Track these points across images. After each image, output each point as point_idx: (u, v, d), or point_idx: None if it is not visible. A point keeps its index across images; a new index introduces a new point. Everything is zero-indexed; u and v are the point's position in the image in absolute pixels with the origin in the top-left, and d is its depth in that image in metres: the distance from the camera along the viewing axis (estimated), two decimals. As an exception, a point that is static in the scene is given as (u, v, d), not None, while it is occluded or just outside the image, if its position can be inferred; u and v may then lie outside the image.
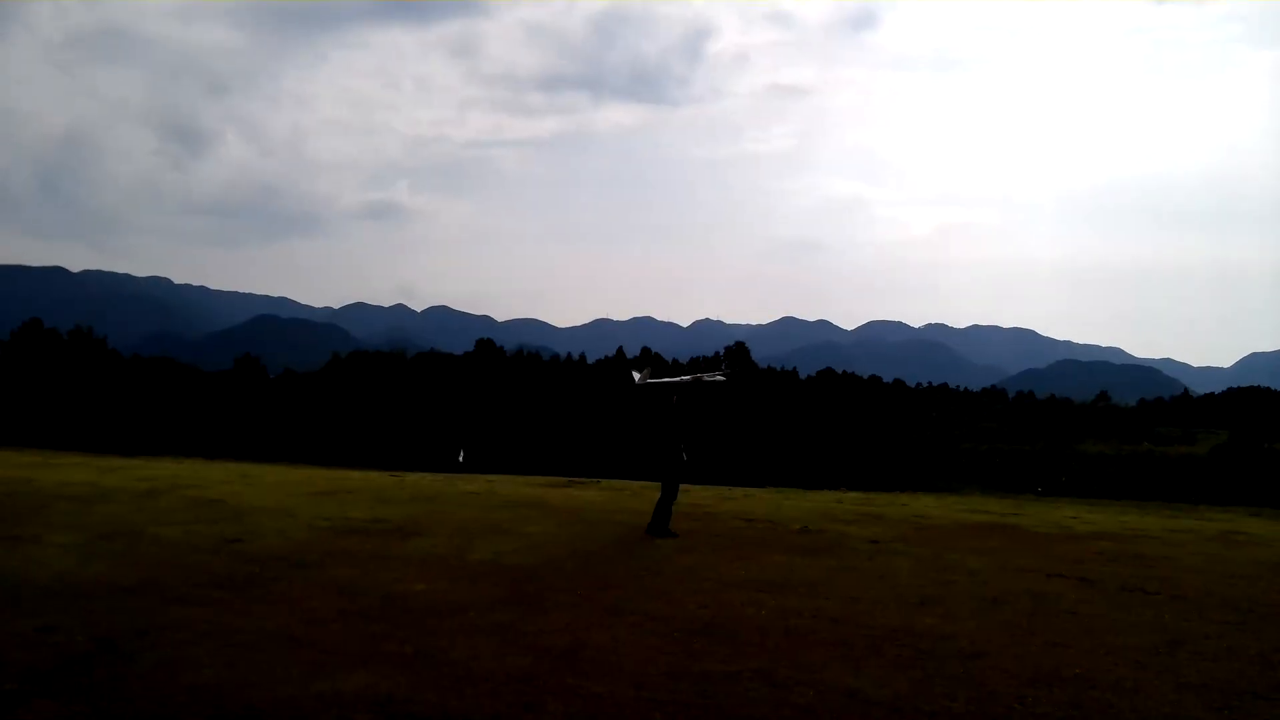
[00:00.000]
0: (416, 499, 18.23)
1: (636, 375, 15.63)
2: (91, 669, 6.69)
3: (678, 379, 15.08)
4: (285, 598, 9.03)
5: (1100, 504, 25.96)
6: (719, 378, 16.14)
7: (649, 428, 14.30)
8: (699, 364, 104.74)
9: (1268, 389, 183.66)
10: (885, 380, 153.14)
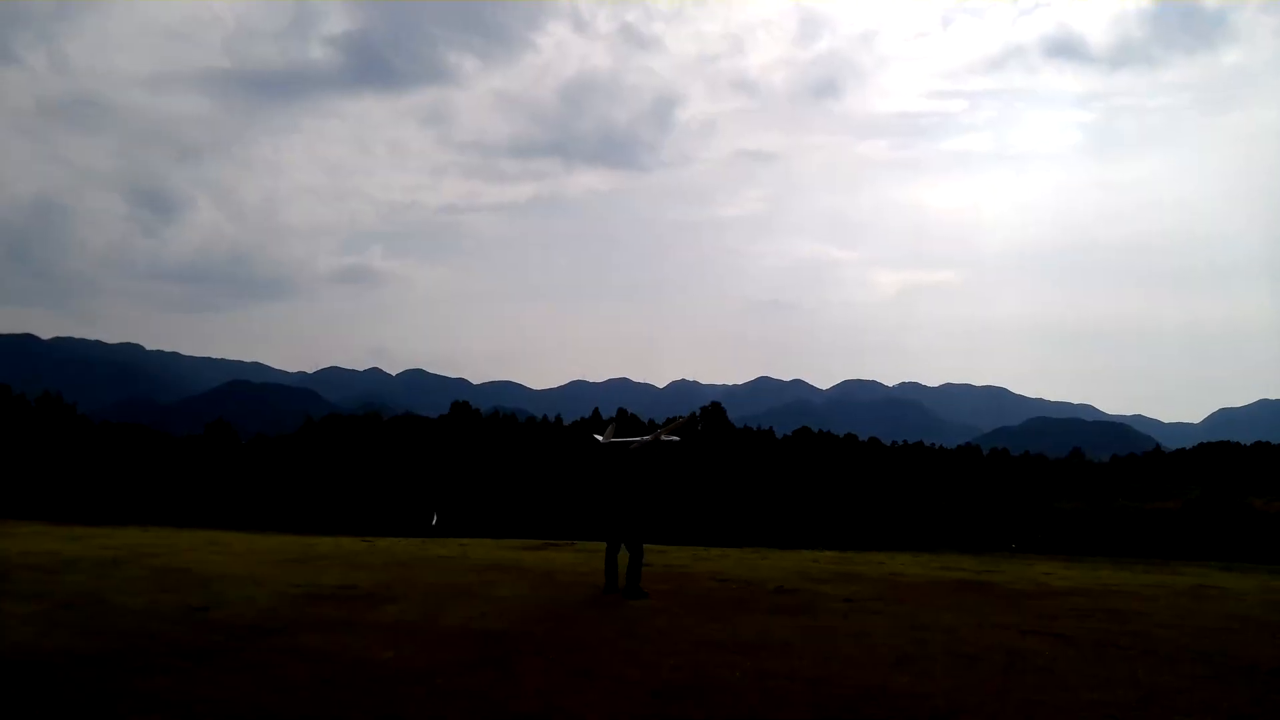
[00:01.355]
0: (388, 564, 18.00)
1: (599, 436, 15.68)
2: (48, 743, 6.51)
3: (636, 439, 15.13)
4: (252, 666, 8.85)
5: (1075, 560, 26.05)
6: (674, 438, 16.24)
7: (613, 487, 14.24)
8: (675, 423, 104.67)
9: (1238, 444, 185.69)
10: (860, 439, 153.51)
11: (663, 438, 15.45)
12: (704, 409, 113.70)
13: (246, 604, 12.46)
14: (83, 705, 7.37)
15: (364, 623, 11.23)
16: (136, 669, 8.62)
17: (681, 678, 8.70)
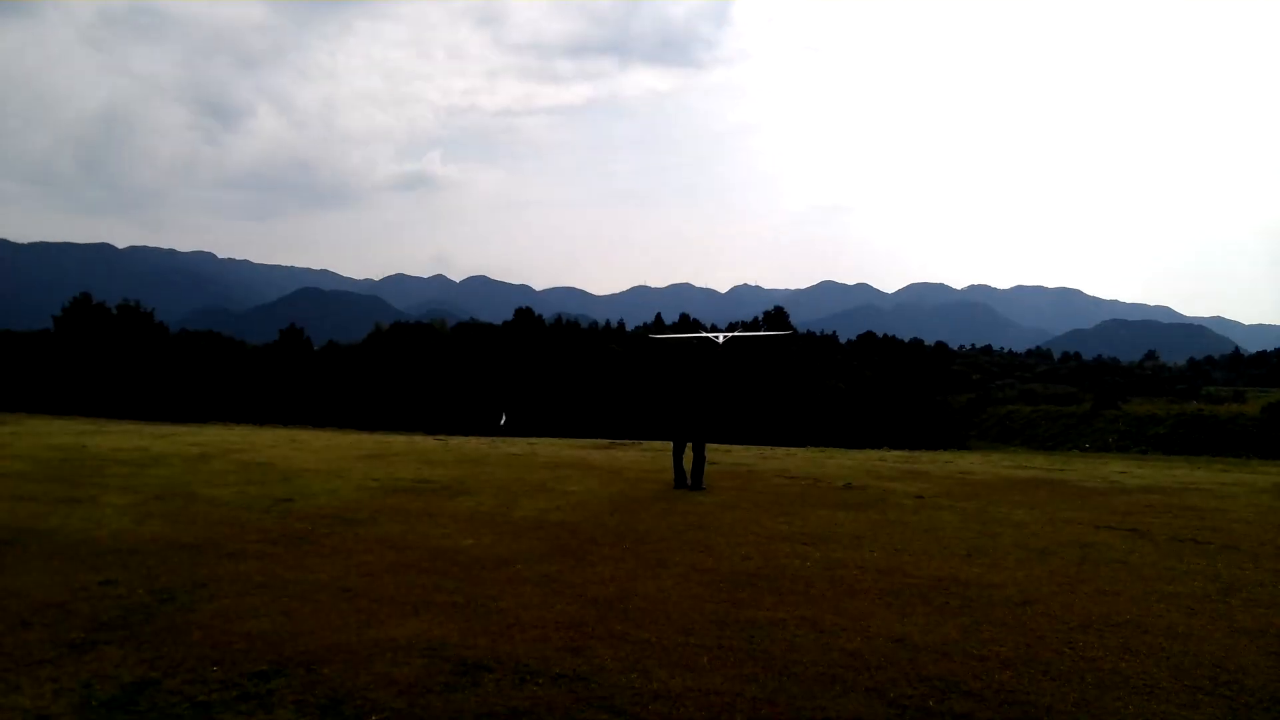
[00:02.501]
0: (461, 460, 18.43)
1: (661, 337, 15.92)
2: (152, 618, 6.87)
3: (682, 336, 15.32)
4: (337, 552, 9.19)
5: (1150, 459, 25.62)
6: (722, 337, 16.36)
7: (681, 385, 14.37)
8: (736, 327, 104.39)
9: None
10: (927, 343, 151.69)
11: (708, 338, 15.56)
12: (767, 314, 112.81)
13: (329, 495, 12.90)
14: (179, 586, 7.73)
15: (442, 513, 11.56)
16: (228, 554, 9.01)
17: (752, 566, 8.83)
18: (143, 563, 8.61)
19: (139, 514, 11.19)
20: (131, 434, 24.07)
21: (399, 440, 25.85)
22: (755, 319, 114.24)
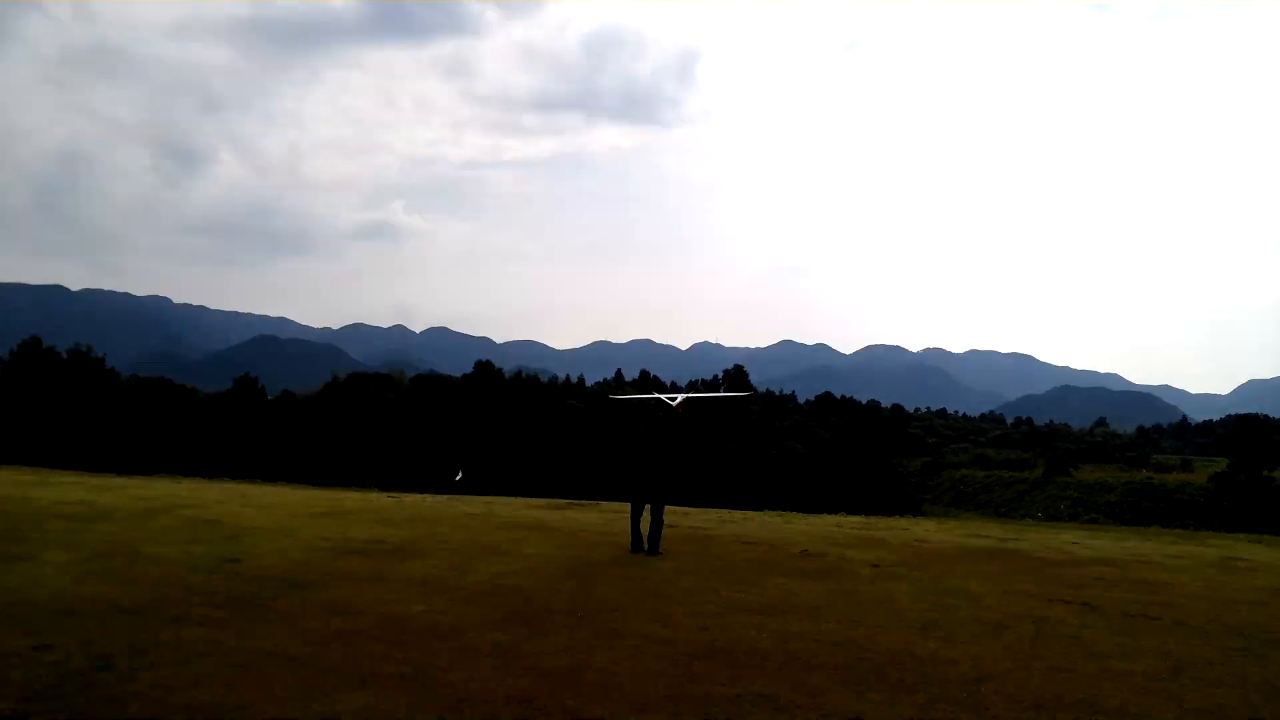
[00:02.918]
0: (415, 520, 18.16)
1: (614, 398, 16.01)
2: (88, 688, 6.63)
3: (639, 397, 15.41)
4: (284, 618, 8.97)
5: (1101, 529, 25.90)
6: (680, 398, 16.46)
7: (642, 448, 14.34)
8: (697, 386, 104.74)
9: (1266, 417, 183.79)
10: (884, 404, 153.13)
11: (664, 400, 15.62)
12: (727, 372, 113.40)
13: (278, 556, 12.62)
14: (118, 653, 7.49)
15: (394, 577, 11.35)
16: (171, 619, 8.76)
17: (708, 638, 8.74)
18: (81, 626, 8.34)
19: (80, 573, 10.87)
20: (76, 486, 23.46)
21: (352, 497, 25.45)
22: (715, 377, 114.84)
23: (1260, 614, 11.00)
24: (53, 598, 9.47)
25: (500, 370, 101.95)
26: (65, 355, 73.28)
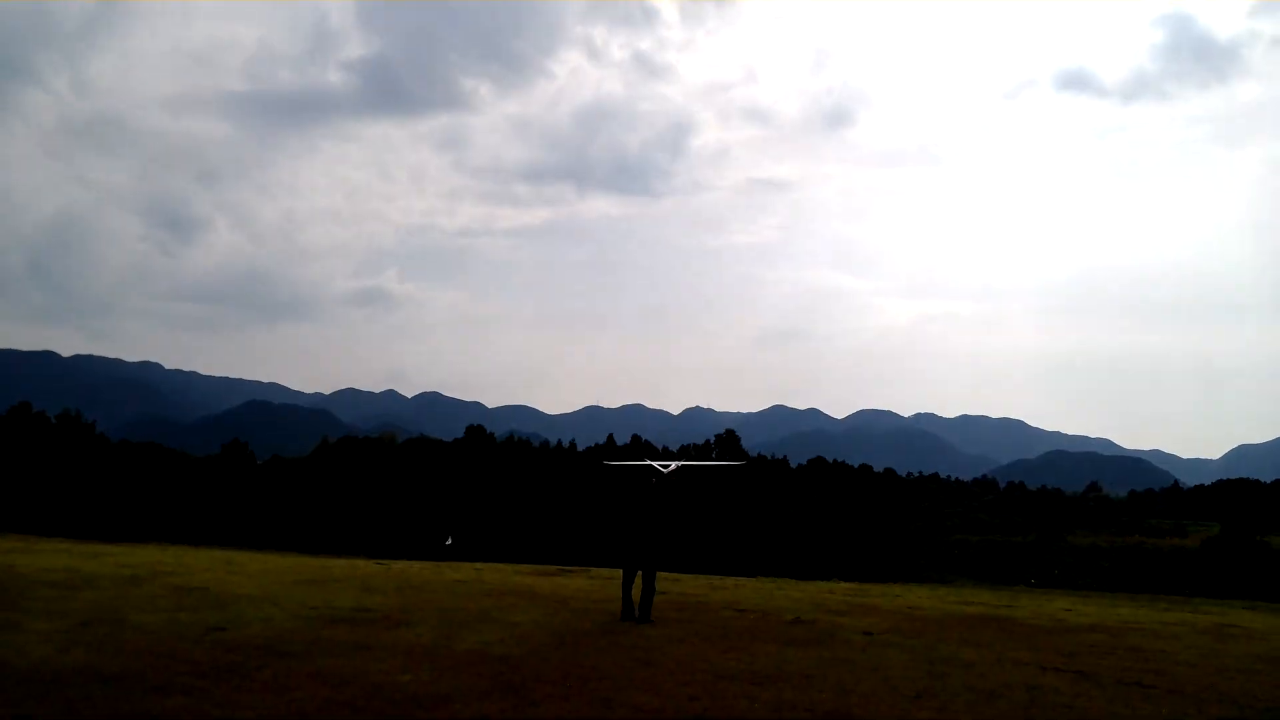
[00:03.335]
0: (403, 587, 18.00)
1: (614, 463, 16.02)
2: (68, 760, 6.53)
3: (631, 464, 15.48)
4: (269, 687, 8.85)
5: (1093, 596, 25.78)
6: (672, 466, 16.52)
7: (634, 514, 14.33)
8: (689, 451, 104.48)
9: (1257, 481, 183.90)
10: (876, 469, 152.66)
11: (656, 466, 15.66)
12: (719, 437, 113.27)
13: (264, 624, 12.48)
14: (101, 723, 7.38)
15: (380, 645, 11.22)
16: (154, 688, 8.63)
17: (699, 707, 8.65)
18: (63, 695, 8.22)
19: (63, 641, 10.72)
20: (61, 553, 23.23)
21: (339, 564, 25.24)
22: (707, 441, 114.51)
23: (1254, 682, 10.94)
24: (35, 666, 9.34)
25: (492, 435, 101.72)
26: (54, 420, 72.97)
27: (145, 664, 9.66)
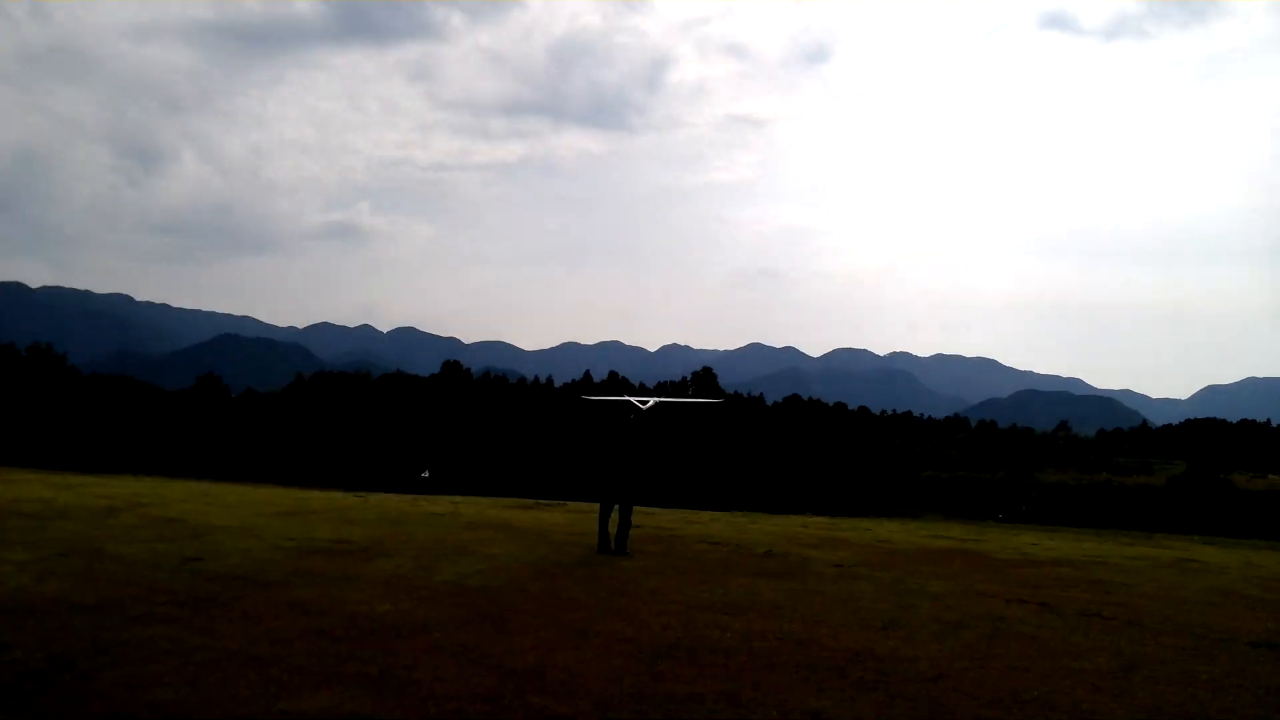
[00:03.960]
0: (381, 520, 18.11)
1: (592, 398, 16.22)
2: (49, 687, 6.59)
3: (609, 399, 15.63)
4: (248, 617, 8.94)
5: (1060, 531, 26.32)
6: (650, 402, 16.69)
7: (612, 448, 14.46)
8: (666, 388, 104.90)
9: (1224, 421, 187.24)
10: (851, 407, 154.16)
11: (634, 403, 15.77)
12: (695, 374, 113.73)
13: (241, 555, 12.56)
14: (80, 653, 7.44)
15: (359, 577, 11.33)
16: (133, 617, 8.70)
17: (673, 636, 8.83)
18: (41, 625, 8.27)
19: (39, 571, 10.76)
20: (36, 484, 23.15)
21: (317, 496, 25.31)
22: (684, 378, 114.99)
23: (1211, 614, 11.28)
24: (11, 596, 9.37)
25: (468, 370, 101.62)
26: (24, 353, 72.13)
27: (123, 594, 9.72)
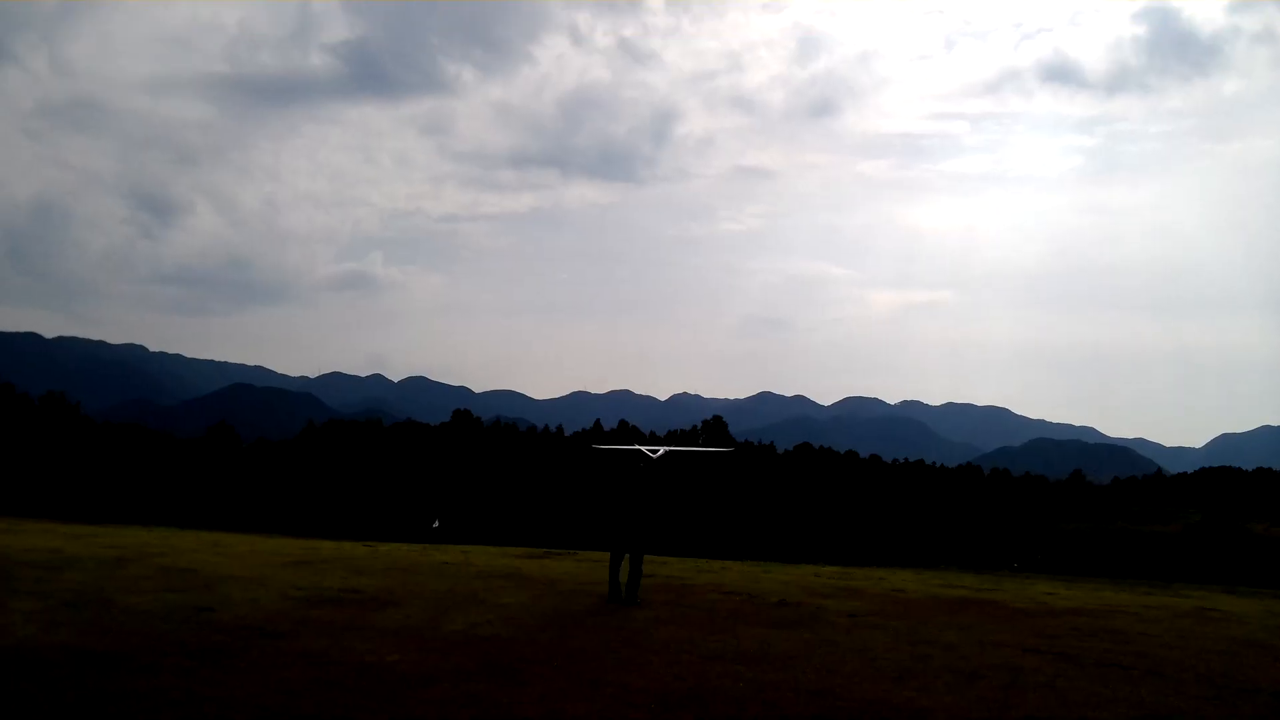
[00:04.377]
0: (391, 569, 18.02)
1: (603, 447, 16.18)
2: (56, 738, 6.55)
3: (621, 448, 15.59)
4: (257, 667, 8.88)
5: (1076, 581, 25.99)
6: (661, 451, 16.67)
7: (623, 498, 14.42)
8: (677, 436, 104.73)
9: (1239, 469, 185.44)
10: (861, 455, 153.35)
11: (644, 451, 15.76)
12: (706, 422, 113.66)
13: (251, 605, 12.50)
14: (88, 704, 7.39)
15: (368, 626, 11.26)
16: (141, 668, 8.66)
17: (685, 687, 8.73)
18: (49, 675, 8.23)
19: (48, 621, 10.72)
20: (46, 534, 23.13)
21: (327, 546, 25.21)
22: (694, 427, 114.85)
23: (1232, 663, 11.09)
24: (20, 646, 9.34)
25: (479, 419, 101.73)
26: (38, 402, 72.57)
27: (133, 644, 9.68)
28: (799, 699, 8.44)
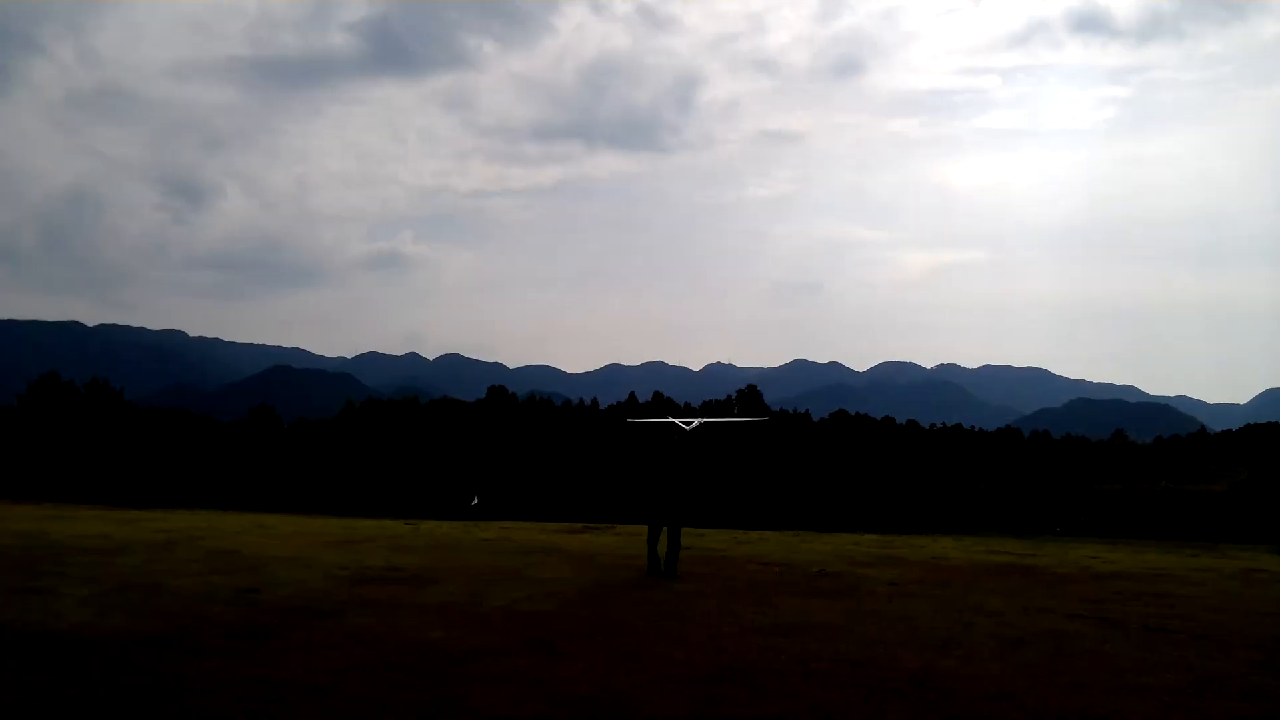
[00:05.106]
0: (432, 547, 18.22)
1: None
2: (111, 721, 6.68)
3: (655, 420, 15.66)
4: (303, 647, 9.01)
5: (1119, 543, 25.73)
6: (695, 423, 16.70)
7: (660, 470, 14.42)
8: (711, 407, 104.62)
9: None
10: (898, 421, 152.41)
11: (678, 423, 15.75)
12: (740, 392, 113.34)
13: (296, 586, 12.68)
14: (139, 687, 7.53)
15: (411, 604, 11.39)
16: (191, 650, 8.80)
17: (726, 659, 8.74)
18: (102, 659, 8.39)
19: (100, 606, 10.94)
20: (96, 520, 23.63)
21: (369, 525, 25.54)
22: (729, 397, 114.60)
23: (1282, 626, 10.92)
24: (74, 630, 9.54)
25: (514, 395, 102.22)
26: (83, 389, 73.83)
27: (181, 627, 9.85)
28: (842, 670, 8.41)
